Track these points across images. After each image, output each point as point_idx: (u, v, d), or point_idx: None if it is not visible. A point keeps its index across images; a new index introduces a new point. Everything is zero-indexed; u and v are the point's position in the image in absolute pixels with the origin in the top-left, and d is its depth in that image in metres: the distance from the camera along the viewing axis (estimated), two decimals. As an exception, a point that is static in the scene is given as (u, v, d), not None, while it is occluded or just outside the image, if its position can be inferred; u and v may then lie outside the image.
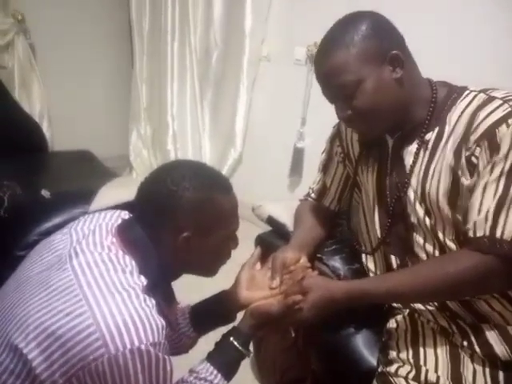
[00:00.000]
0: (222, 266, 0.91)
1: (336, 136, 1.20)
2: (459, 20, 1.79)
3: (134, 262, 0.77)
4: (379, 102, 0.91)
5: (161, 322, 0.72)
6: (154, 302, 0.74)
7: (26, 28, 2.82)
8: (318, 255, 1.19)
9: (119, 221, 0.87)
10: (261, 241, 1.32)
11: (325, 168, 1.25)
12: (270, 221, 1.40)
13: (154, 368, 0.69)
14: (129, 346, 0.66)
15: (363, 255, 1.16)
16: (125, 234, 0.82)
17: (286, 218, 1.34)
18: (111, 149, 3.21)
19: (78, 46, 3.09)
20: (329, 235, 1.24)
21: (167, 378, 0.72)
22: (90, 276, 0.72)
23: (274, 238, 1.32)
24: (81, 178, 1.82)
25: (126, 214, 0.91)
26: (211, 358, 0.88)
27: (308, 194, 1.30)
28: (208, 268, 0.90)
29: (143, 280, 0.76)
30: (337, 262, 1.17)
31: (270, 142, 2.66)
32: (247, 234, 1.31)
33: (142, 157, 3.20)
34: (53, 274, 0.74)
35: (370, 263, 1.14)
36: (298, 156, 2.46)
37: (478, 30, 1.74)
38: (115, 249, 0.78)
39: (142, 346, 0.67)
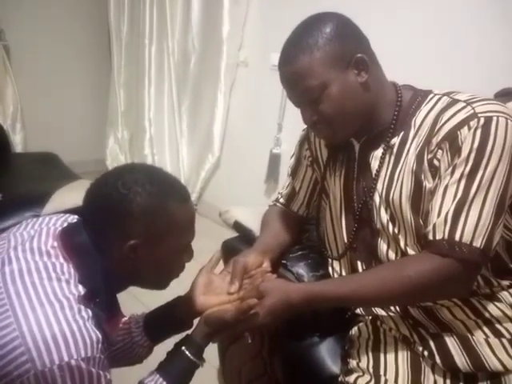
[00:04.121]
0: (175, 279, 0.86)
1: (305, 139, 1.18)
2: (421, 21, 1.80)
3: (72, 270, 0.72)
4: (345, 107, 0.90)
5: (96, 334, 0.67)
6: (90, 313, 0.69)
7: (0, 29, 2.77)
8: (283, 261, 1.15)
9: (65, 225, 0.81)
10: (226, 246, 1.28)
11: (293, 172, 1.22)
12: (237, 226, 1.37)
13: None
14: (57, 362, 0.62)
15: (330, 260, 1.13)
16: (68, 238, 0.77)
17: (253, 224, 1.30)
18: (88, 153, 3.18)
19: (54, 49, 3.06)
20: (296, 241, 1.21)
21: None
22: (20, 285, 0.67)
23: (240, 244, 1.28)
24: (39, 180, 1.73)
25: (73, 219, 0.85)
26: (161, 368, 0.84)
27: (277, 199, 1.27)
28: (156, 281, 0.85)
29: (81, 289, 0.71)
30: (301, 269, 1.13)
31: (248, 148, 2.65)
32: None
33: (119, 161, 3.17)
34: None
35: (336, 266, 1.11)
36: (274, 162, 2.46)
37: (444, 31, 1.75)
38: (55, 254, 0.73)
39: (72, 362, 0.63)
